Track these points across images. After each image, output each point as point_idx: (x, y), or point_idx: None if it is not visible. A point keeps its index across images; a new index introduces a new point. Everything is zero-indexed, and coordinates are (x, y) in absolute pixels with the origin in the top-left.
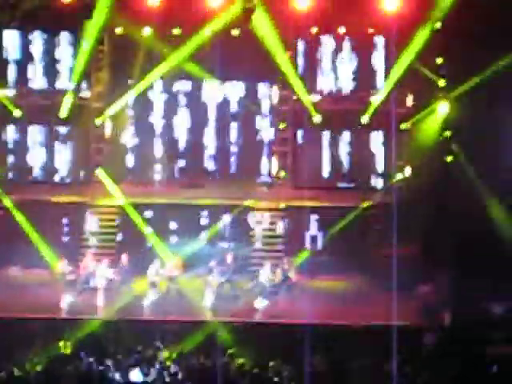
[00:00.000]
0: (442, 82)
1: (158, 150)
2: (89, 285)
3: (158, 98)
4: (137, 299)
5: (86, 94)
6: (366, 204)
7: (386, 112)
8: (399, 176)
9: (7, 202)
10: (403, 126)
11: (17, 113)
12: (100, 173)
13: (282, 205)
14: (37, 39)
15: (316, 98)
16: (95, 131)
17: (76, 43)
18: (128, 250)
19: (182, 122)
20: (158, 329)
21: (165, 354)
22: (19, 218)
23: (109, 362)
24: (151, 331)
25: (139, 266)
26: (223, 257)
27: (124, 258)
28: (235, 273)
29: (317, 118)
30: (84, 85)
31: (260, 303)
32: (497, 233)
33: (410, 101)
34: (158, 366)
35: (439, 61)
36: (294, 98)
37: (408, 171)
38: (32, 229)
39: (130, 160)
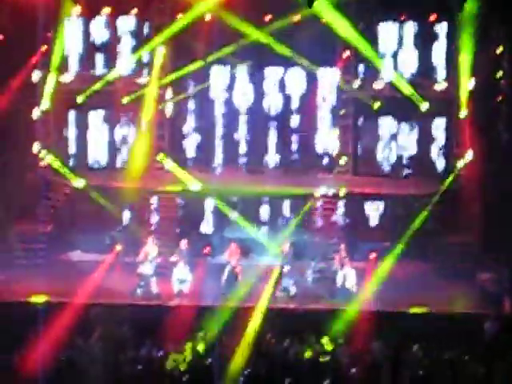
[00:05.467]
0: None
1: (219, 136)
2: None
3: (220, 84)
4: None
5: (146, 79)
6: (428, 191)
7: (448, 99)
8: (461, 163)
9: (68, 188)
10: (464, 112)
11: (79, 99)
12: (162, 158)
13: (343, 191)
14: (97, 26)
15: (378, 84)
16: (156, 117)
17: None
18: (188, 236)
19: (244, 108)
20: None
21: None
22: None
23: None
24: None
25: (198, 252)
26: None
27: (184, 243)
28: (294, 260)
29: (378, 105)
30: (145, 70)
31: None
32: None
33: (470, 87)
34: None
35: (499, 50)
36: (357, 84)
37: (470, 157)
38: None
39: (190, 146)
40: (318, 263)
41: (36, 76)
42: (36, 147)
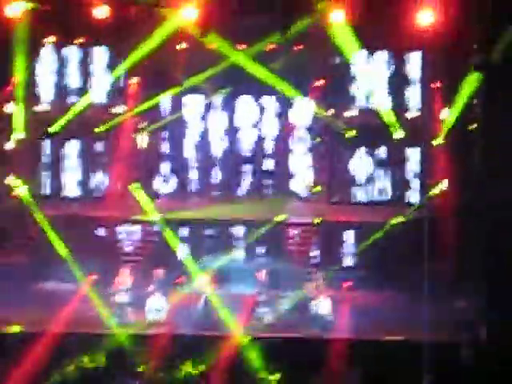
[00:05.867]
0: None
1: (193, 164)
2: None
3: (193, 110)
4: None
5: (121, 108)
6: (401, 219)
7: (422, 127)
8: (436, 191)
9: (41, 218)
10: (438, 140)
11: (52, 128)
12: (135, 188)
13: (317, 220)
14: (72, 54)
15: (351, 113)
16: (131, 146)
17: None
18: (162, 265)
19: (217, 136)
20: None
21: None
22: (53, 233)
23: None
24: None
25: (172, 281)
26: (258, 273)
27: (159, 272)
28: (270, 288)
29: (352, 133)
30: (118, 99)
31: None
32: None
33: (444, 115)
34: None
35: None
36: (330, 112)
37: (445, 186)
38: (66, 244)
39: (165, 175)
40: (293, 291)
41: (9, 107)
42: (10, 177)
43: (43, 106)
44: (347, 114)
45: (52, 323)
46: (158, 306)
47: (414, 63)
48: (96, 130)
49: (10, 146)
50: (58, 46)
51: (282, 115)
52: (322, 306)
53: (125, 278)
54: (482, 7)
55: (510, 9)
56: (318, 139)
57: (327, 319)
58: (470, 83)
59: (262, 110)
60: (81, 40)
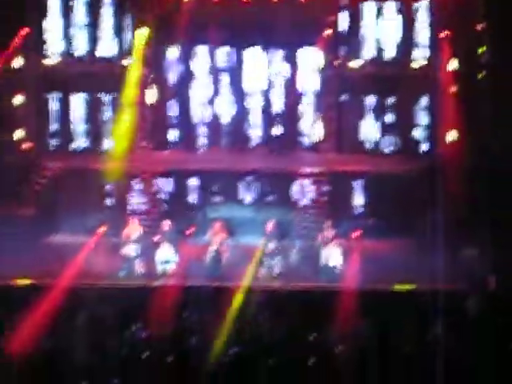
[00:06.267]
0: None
1: (202, 117)
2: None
3: (199, 66)
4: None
5: (128, 61)
6: (411, 168)
7: (430, 77)
8: (445, 140)
9: (51, 171)
10: (447, 90)
11: (61, 81)
12: (143, 140)
13: (327, 169)
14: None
15: (359, 63)
16: (139, 99)
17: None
18: (172, 217)
19: (224, 90)
20: None
21: None
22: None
23: None
24: None
25: (183, 232)
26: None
27: (167, 223)
28: (279, 239)
29: (361, 83)
30: (128, 52)
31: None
32: None
33: (452, 66)
34: None
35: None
36: (338, 62)
37: (453, 135)
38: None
39: (173, 127)
40: (302, 242)
41: (18, 60)
42: (18, 131)
43: (52, 60)
44: (355, 63)
45: (61, 276)
46: (166, 258)
47: (421, 12)
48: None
49: (18, 100)
50: None
51: (289, 67)
52: (332, 255)
53: (133, 229)
54: None
55: None
56: (326, 89)
57: (336, 269)
58: (477, 32)
59: (269, 61)
60: None
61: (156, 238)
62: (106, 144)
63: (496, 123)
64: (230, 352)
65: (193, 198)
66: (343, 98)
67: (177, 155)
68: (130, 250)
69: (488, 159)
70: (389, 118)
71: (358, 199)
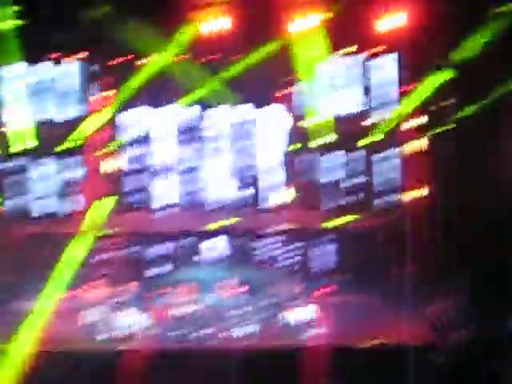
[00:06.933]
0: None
1: (159, 177)
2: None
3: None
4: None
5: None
6: (376, 224)
7: (396, 131)
8: (409, 194)
9: (8, 237)
10: (412, 143)
11: (27, 144)
12: (102, 203)
13: (290, 227)
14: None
15: (323, 118)
16: (103, 160)
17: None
18: (138, 279)
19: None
20: None
21: None
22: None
23: None
24: None
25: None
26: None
27: (133, 285)
28: (246, 299)
29: (324, 139)
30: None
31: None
32: None
33: (417, 117)
34: None
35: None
36: (301, 120)
37: (421, 189)
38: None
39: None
40: (270, 300)
41: None
42: None
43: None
44: (318, 119)
45: (22, 342)
46: (131, 321)
47: (386, 66)
48: (60, 148)
49: None
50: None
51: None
52: (299, 313)
53: (97, 292)
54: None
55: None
56: (287, 146)
57: (305, 327)
58: (439, 84)
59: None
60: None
61: (121, 300)
62: (70, 208)
63: (463, 176)
64: None
65: (159, 259)
66: (304, 153)
67: (139, 216)
68: (94, 313)
69: (456, 213)
70: (353, 172)
71: (326, 256)
